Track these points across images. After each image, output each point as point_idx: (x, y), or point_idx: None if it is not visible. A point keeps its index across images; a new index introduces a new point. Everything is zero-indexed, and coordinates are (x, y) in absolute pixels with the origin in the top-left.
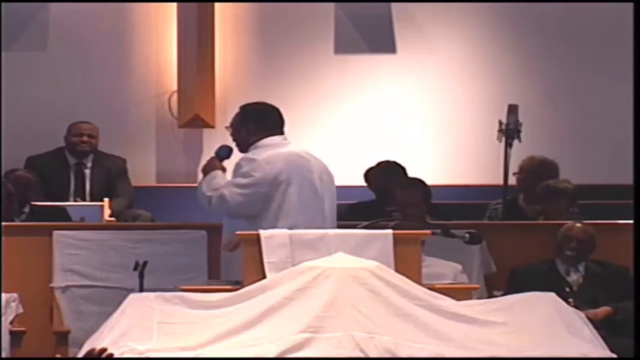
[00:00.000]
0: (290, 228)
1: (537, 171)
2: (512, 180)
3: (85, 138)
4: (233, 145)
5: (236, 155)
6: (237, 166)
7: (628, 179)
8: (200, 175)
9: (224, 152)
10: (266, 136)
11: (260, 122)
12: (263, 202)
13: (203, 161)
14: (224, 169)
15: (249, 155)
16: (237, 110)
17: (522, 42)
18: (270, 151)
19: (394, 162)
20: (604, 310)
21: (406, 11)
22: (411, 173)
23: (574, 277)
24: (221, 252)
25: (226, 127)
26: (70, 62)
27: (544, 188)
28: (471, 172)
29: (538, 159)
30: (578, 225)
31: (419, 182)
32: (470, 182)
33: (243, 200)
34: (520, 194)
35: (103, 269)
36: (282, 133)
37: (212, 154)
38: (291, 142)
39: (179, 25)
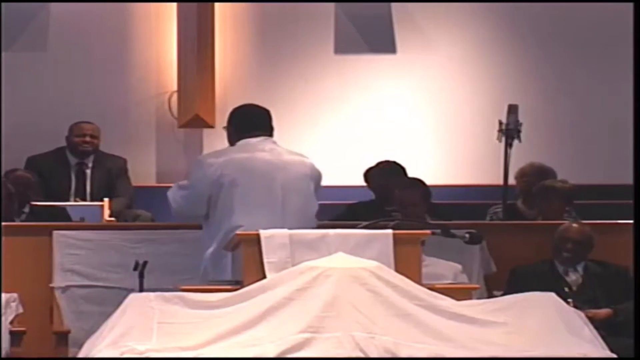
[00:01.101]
0: (234, 229)
1: (538, 176)
2: (512, 181)
3: (87, 138)
4: None
5: None
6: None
7: (628, 179)
8: None
9: None
10: (244, 137)
11: (239, 124)
12: (204, 204)
13: None
14: None
15: (201, 156)
16: None
17: (522, 43)
18: (227, 153)
19: (394, 162)
20: (604, 311)
21: (406, 11)
22: (411, 173)
23: (573, 277)
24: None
25: (223, 127)
26: (71, 62)
27: (541, 187)
28: (471, 172)
29: (537, 165)
30: (575, 225)
31: (419, 182)
32: (470, 182)
33: (182, 202)
34: (520, 198)
35: (103, 269)
36: (264, 134)
37: None
38: (272, 143)
39: (179, 25)
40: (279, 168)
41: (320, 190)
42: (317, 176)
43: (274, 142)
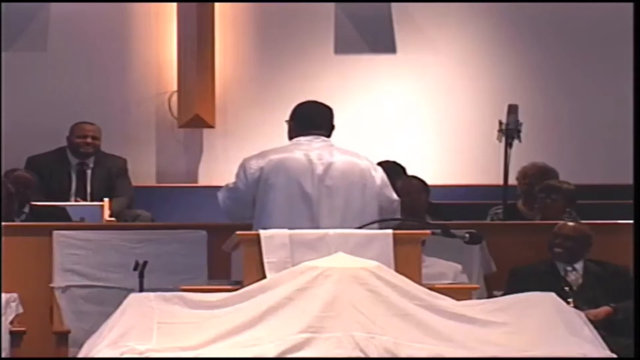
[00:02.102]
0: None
1: (540, 177)
2: (512, 181)
3: (89, 140)
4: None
5: None
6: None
7: (628, 179)
8: (200, 175)
9: None
10: (299, 135)
11: (298, 120)
12: (249, 206)
13: (203, 161)
14: None
15: (245, 158)
16: (237, 110)
17: (522, 42)
18: (268, 153)
19: (394, 162)
20: (604, 310)
21: (406, 11)
22: (411, 173)
23: (572, 277)
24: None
25: (285, 121)
26: (70, 62)
27: (542, 187)
28: (471, 172)
29: (539, 166)
30: (570, 224)
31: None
32: (470, 182)
33: (229, 204)
34: (521, 199)
35: (103, 269)
36: (318, 133)
37: (213, 155)
38: (324, 142)
39: (179, 25)
40: (315, 166)
41: (384, 189)
42: (368, 172)
43: (326, 141)
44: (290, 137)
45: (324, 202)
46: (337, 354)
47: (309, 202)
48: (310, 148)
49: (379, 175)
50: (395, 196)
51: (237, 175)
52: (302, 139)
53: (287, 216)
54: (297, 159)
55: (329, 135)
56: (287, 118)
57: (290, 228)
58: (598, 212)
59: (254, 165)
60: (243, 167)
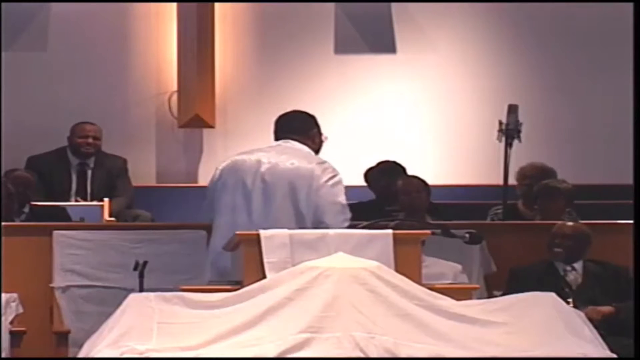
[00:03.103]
0: (215, 228)
1: (539, 177)
2: (512, 181)
3: (90, 140)
4: None
5: None
6: None
7: (628, 179)
8: (200, 175)
9: None
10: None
11: (275, 127)
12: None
13: (203, 161)
14: None
15: None
16: (237, 110)
17: (522, 42)
18: (233, 157)
19: (394, 162)
20: (607, 309)
21: (406, 11)
22: (411, 173)
23: (572, 277)
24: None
25: None
26: (70, 62)
27: (542, 187)
28: (471, 172)
29: (538, 166)
30: (569, 223)
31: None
32: (470, 182)
33: (204, 208)
34: (520, 199)
35: (103, 269)
36: (288, 137)
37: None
38: (282, 146)
39: (179, 25)
40: (261, 167)
41: (325, 189)
42: (314, 176)
43: (291, 144)
44: None
45: (259, 196)
46: (337, 354)
47: (247, 197)
48: (268, 150)
49: (326, 176)
50: (340, 199)
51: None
52: (273, 143)
53: (231, 213)
54: (248, 160)
55: (303, 140)
56: None
57: (232, 225)
58: (598, 212)
59: (218, 167)
60: (215, 171)
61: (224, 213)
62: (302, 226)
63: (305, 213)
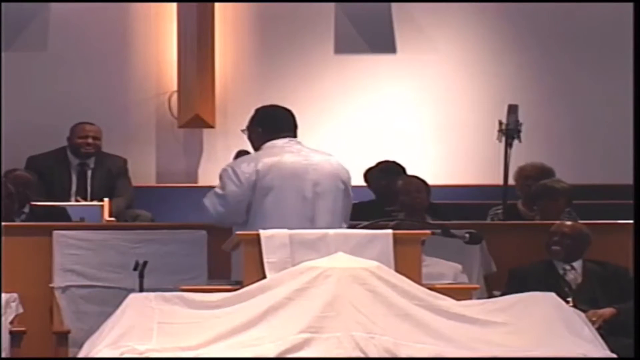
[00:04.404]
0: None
1: (538, 177)
2: (512, 181)
3: (90, 140)
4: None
5: None
6: (220, 174)
7: (628, 179)
8: (200, 175)
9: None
10: (272, 139)
11: (267, 125)
12: (244, 211)
13: (203, 161)
14: None
15: (232, 163)
16: (237, 110)
17: (522, 42)
18: (258, 157)
19: (394, 162)
20: (609, 311)
21: (406, 11)
22: (411, 173)
23: (571, 276)
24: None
25: (242, 130)
26: (71, 62)
27: (542, 187)
28: (471, 172)
29: (538, 166)
30: (567, 222)
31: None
32: (470, 182)
33: (223, 211)
34: (521, 199)
35: (103, 269)
36: (290, 136)
37: (213, 155)
38: (298, 144)
39: (179, 25)
40: (307, 169)
41: (350, 187)
42: (345, 173)
43: (299, 143)
44: (258, 143)
45: (319, 203)
46: (337, 354)
47: (305, 204)
48: (292, 149)
49: (346, 172)
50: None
51: (227, 180)
52: (277, 142)
53: (283, 218)
54: (289, 161)
55: (295, 136)
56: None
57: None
58: (597, 212)
59: (247, 169)
60: (234, 172)
61: (274, 219)
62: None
63: (343, 209)
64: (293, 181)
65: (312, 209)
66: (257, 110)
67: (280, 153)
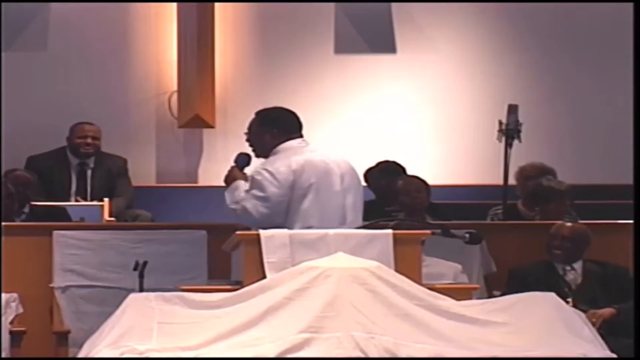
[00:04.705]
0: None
1: (539, 177)
2: (512, 181)
3: (89, 140)
4: (249, 151)
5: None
6: (254, 177)
7: (627, 179)
8: (200, 175)
9: (243, 160)
10: (286, 140)
11: (281, 126)
12: (284, 212)
13: (203, 161)
14: (245, 178)
15: (265, 165)
16: (237, 110)
17: (521, 42)
18: (288, 157)
19: (394, 162)
20: (608, 311)
21: (406, 11)
22: (411, 173)
23: (571, 276)
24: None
25: (245, 133)
26: (71, 62)
27: (543, 189)
28: (471, 172)
29: (538, 166)
30: (567, 224)
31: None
32: (470, 182)
33: (268, 212)
34: (521, 199)
35: (103, 269)
36: (300, 136)
37: (213, 155)
38: (309, 144)
39: (179, 25)
40: (332, 166)
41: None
42: (356, 172)
43: (308, 143)
44: (275, 144)
45: (347, 199)
46: (337, 354)
47: (338, 200)
48: (310, 149)
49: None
50: None
51: (264, 183)
52: (292, 142)
53: (322, 216)
54: (317, 160)
55: (302, 137)
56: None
57: (325, 227)
58: (597, 212)
59: (284, 169)
60: (270, 173)
61: (316, 218)
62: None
63: (361, 206)
64: (326, 179)
65: (343, 206)
66: (267, 113)
67: (303, 152)
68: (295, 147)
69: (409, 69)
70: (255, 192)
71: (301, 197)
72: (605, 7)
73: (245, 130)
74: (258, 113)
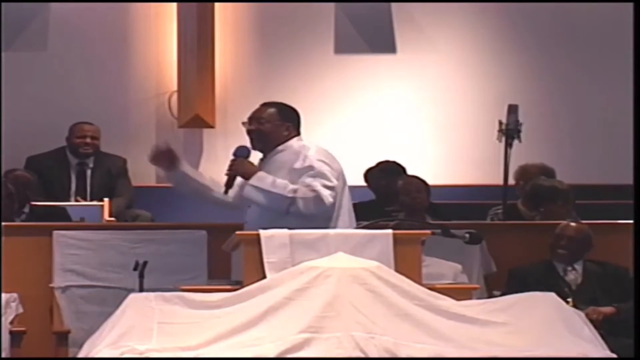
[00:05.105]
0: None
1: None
2: (512, 181)
3: (88, 140)
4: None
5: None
6: (314, 167)
7: (627, 179)
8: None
9: (243, 152)
10: (294, 137)
11: (294, 120)
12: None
13: (203, 161)
14: (256, 170)
15: (319, 157)
16: (237, 110)
17: (522, 42)
18: (320, 153)
19: (394, 162)
20: (608, 309)
21: (406, 11)
22: (411, 173)
23: (572, 277)
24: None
25: (243, 123)
26: (71, 62)
27: (546, 189)
28: (471, 172)
29: (538, 166)
30: (572, 224)
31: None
32: (470, 182)
33: (334, 203)
34: (521, 199)
35: (103, 269)
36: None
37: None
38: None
39: (179, 25)
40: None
41: None
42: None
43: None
44: (287, 137)
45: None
46: (337, 354)
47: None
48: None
49: None
50: None
51: (328, 173)
52: (300, 141)
53: (353, 212)
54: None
55: None
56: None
57: (348, 227)
58: (597, 212)
59: (337, 165)
60: (328, 166)
61: (351, 212)
62: None
63: None
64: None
65: (350, 203)
66: (285, 107)
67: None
68: (305, 145)
69: (409, 69)
70: (324, 181)
71: (342, 193)
72: (605, 7)
73: (250, 117)
74: (274, 105)
